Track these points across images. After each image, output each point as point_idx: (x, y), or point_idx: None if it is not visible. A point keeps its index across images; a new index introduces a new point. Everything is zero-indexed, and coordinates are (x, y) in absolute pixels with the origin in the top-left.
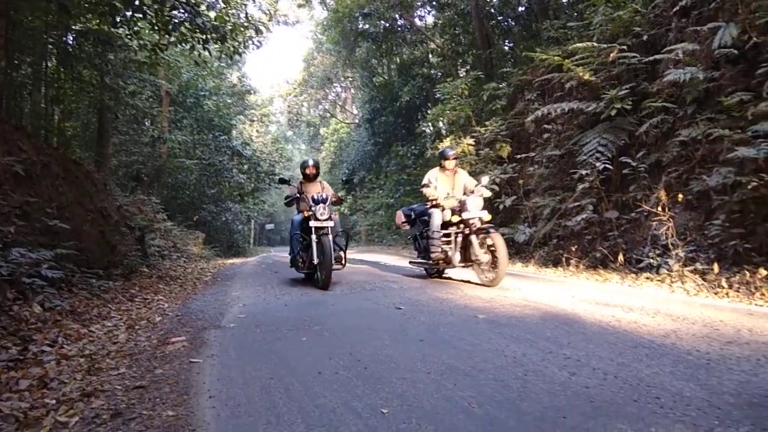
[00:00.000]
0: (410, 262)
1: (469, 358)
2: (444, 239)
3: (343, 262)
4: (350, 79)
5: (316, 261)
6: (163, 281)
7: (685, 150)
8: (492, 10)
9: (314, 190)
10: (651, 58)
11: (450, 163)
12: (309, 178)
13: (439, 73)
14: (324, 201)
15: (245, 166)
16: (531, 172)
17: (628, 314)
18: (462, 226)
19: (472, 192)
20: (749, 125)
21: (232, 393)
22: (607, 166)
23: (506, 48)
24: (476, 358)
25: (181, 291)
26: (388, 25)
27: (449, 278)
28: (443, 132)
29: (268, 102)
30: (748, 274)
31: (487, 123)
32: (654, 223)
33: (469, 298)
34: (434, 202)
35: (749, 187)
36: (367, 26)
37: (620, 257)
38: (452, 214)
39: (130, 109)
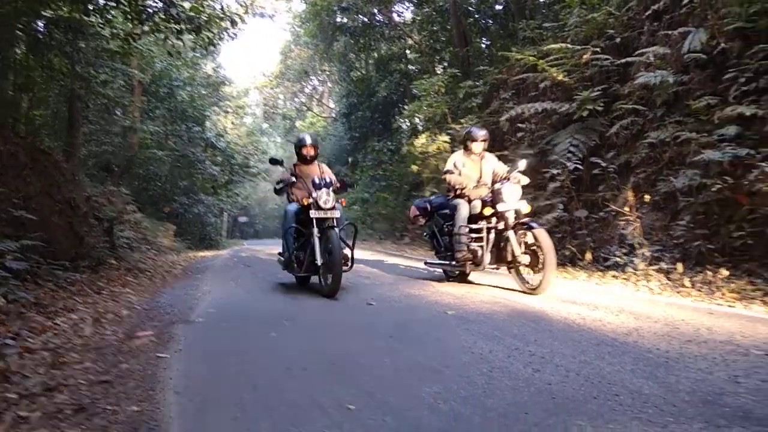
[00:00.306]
0: (426, 263)
1: (436, 354)
2: (473, 236)
3: (350, 263)
4: (327, 72)
5: (319, 261)
6: (131, 274)
7: (653, 152)
8: (470, 8)
9: (312, 174)
10: (623, 61)
11: (477, 146)
12: (306, 160)
13: (417, 70)
14: (328, 185)
15: (219, 158)
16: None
17: (593, 312)
18: (495, 220)
19: (506, 179)
20: (715, 129)
21: (198, 388)
22: (577, 166)
23: (483, 46)
24: (444, 354)
25: (150, 284)
26: (366, 19)
27: (473, 282)
28: (419, 128)
29: (243, 94)
30: (710, 274)
31: (462, 120)
32: (621, 222)
33: (440, 295)
34: (459, 192)
35: (714, 189)
36: (345, 20)
37: (588, 255)
38: (483, 206)
39: (101, 98)
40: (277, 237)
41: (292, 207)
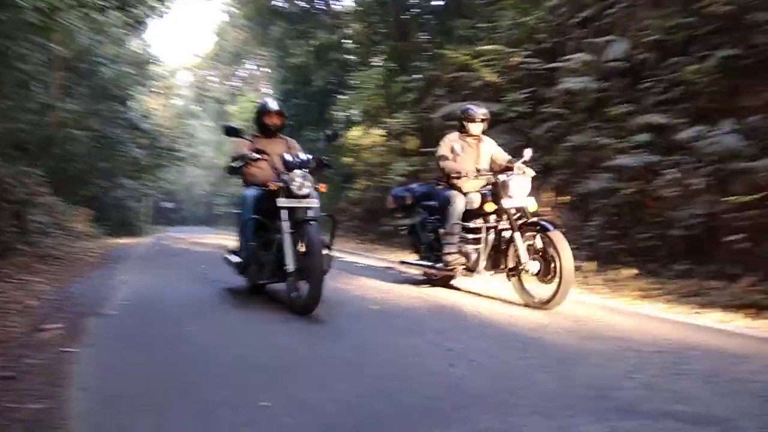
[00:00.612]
0: (402, 263)
1: (357, 349)
2: (470, 236)
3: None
4: (264, 57)
5: (290, 266)
6: (42, 261)
7: (573, 155)
8: (410, 1)
9: (277, 150)
10: (550, 66)
11: (476, 127)
12: (269, 132)
13: (355, 60)
14: (303, 165)
15: (144, 141)
16: (435, 165)
17: (507, 308)
18: (494, 218)
19: (508, 169)
20: (630, 135)
21: (108, 385)
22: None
23: (421, 41)
24: (365, 349)
25: (63, 273)
26: (306, 5)
27: (459, 289)
28: (355, 120)
29: (172, 74)
30: (619, 272)
31: (397, 115)
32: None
33: (366, 289)
34: (452, 182)
35: (626, 192)
36: (286, 5)
37: None
38: (482, 201)
39: (18, 73)
40: (205, 224)
41: (252, 192)
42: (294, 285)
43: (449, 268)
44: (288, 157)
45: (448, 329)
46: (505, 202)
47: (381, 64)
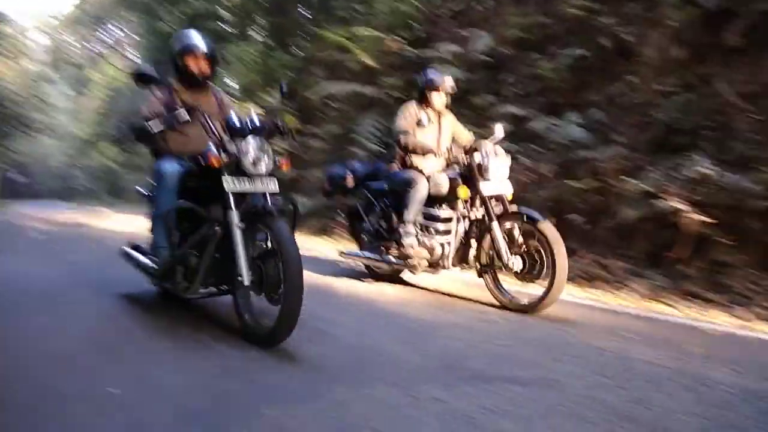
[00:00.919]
0: (342, 254)
1: (218, 332)
2: (439, 226)
3: None
4: (131, 21)
5: (245, 278)
6: None
7: None
8: None
9: (207, 108)
10: (423, 54)
11: (439, 99)
12: (194, 81)
13: (231, 33)
14: (258, 130)
15: None
16: (313, 145)
17: (376, 284)
18: (461, 204)
19: (474, 150)
20: (492, 124)
21: None
22: (380, 148)
23: (301, 19)
24: (222, 329)
25: None
26: None
27: (413, 285)
28: (232, 94)
29: (23, 35)
30: None
31: (275, 93)
32: None
33: None
34: (413, 161)
35: None
36: None
37: None
38: (451, 185)
39: None
40: (61, 199)
41: (173, 167)
42: (248, 303)
43: (408, 264)
44: (234, 117)
45: (314, 308)
46: (484, 188)
47: (259, 39)
